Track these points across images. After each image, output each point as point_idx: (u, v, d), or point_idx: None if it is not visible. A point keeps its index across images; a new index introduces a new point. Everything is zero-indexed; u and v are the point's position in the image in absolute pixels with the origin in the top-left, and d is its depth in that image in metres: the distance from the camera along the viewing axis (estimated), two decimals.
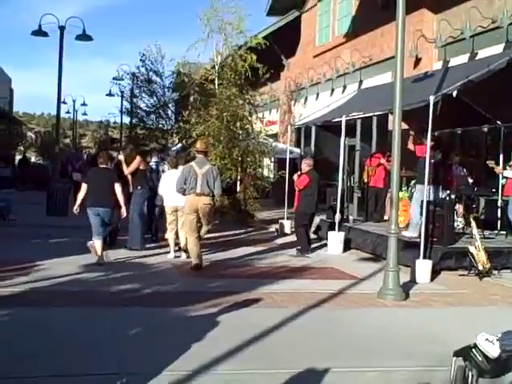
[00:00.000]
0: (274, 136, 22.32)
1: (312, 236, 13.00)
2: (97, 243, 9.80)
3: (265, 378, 4.74)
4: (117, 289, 8.00)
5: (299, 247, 11.70)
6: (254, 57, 17.51)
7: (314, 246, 12.42)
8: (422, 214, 9.76)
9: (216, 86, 17.75)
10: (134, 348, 5.41)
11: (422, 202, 9.77)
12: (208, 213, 9.81)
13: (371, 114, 14.98)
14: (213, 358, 5.11)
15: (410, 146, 11.40)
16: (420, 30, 14.75)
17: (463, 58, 13.67)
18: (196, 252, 9.73)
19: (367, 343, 5.84)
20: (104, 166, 10.23)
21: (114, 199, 9.94)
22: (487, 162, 12.06)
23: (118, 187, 9.98)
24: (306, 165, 11.98)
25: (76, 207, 9.93)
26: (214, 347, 5.39)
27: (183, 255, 10.65)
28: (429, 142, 9.41)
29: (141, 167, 11.87)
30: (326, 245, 12.48)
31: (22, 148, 41.13)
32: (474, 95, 11.42)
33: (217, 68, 18.10)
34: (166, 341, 5.66)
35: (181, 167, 10.66)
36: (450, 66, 13.60)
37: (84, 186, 9.98)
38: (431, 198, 10.50)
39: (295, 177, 12.16)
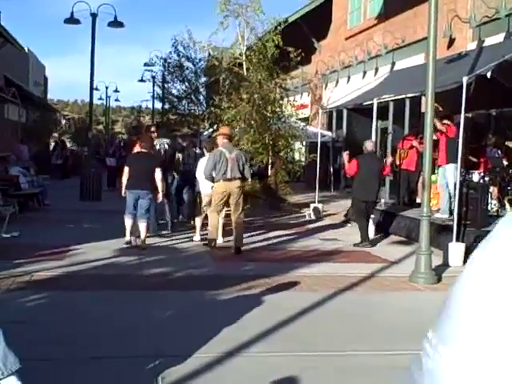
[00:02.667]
0: (306, 119, 22.21)
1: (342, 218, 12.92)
2: (127, 222, 9.98)
3: (295, 360, 4.76)
4: (150, 272, 8.10)
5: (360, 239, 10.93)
6: (279, 38, 17.37)
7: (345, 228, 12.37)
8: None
9: (244, 70, 17.71)
10: (167, 331, 5.49)
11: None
12: (240, 195, 9.86)
13: (403, 96, 14.80)
14: (244, 341, 5.15)
15: (441, 127, 11.14)
16: (454, 9, 14.47)
17: (498, 38, 13.37)
18: (217, 227, 10.00)
19: (398, 326, 5.82)
20: (145, 150, 10.36)
21: (154, 183, 10.09)
22: (506, 143, 11.84)
23: (158, 172, 10.09)
24: (364, 148, 11.27)
25: (124, 190, 10.15)
26: (246, 330, 5.43)
27: (220, 239, 10.67)
28: (462, 124, 9.25)
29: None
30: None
31: (56, 135, 41.61)
32: (510, 75, 11.19)
33: (243, 52, 18.04)
34: (199, 324, 5.71)
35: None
36: (484, 45, 13.33)
37: (126, 170, 10.17)
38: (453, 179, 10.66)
39: (345, 156, 11.60)
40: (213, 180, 9.84)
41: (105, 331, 5.39)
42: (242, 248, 9.89)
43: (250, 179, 10.52)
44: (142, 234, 9.96)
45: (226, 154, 9.74)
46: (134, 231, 10.07)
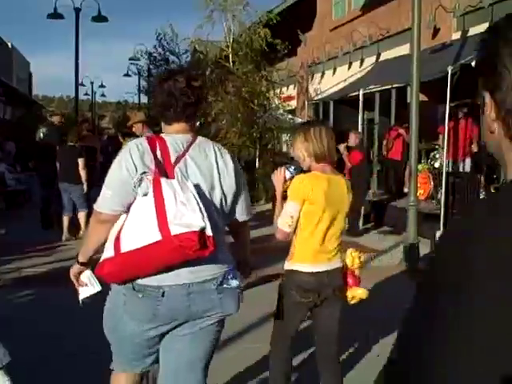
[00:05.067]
0: (292, 111, 22.23)
1: None
2: (64, 219, 10.14)
3: None
4: None
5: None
6: (268, 31, 17.27)
7: None
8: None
9: (230, 63, 17.64)
10: None
11: None
12: None
13: (389, 87, 14.84)
14: (234, 334, 5.16)
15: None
16: None
17: (482, 27, 13.40)
18: None
19: (388, 315, 5.85)
20: (72, 143, 10.42)
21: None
22: None
23: (80, 162, 10.14)
24: (356, 138, 11.35)
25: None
26: (235, 322, 5.43)
27: None
28: (447, 114, 9.31)
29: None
30: None
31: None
32: None
33: (230, 45, 17.95)
34: None
35: None
36: (469, 35, 13.39)
37: (57, 165, 10.34)
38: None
39: (342, 149, 11.32)
40: None
41: (91, 327, 5.36)
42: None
43: None
44: (65, 226, 10.14)
45: None
46: None
